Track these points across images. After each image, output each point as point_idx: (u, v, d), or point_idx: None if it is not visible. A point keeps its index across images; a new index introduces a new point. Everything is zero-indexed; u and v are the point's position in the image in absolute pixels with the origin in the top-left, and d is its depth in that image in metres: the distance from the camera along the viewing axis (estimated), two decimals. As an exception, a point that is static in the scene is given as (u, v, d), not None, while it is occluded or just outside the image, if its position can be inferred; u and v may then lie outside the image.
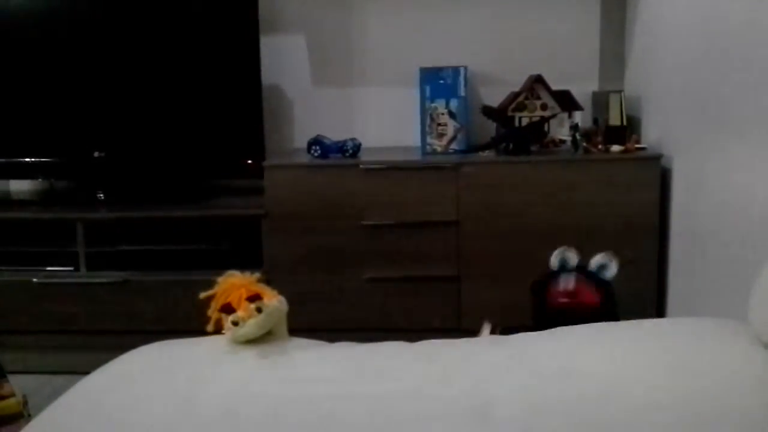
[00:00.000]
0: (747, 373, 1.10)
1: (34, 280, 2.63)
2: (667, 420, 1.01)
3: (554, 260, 2.07)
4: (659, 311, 2.51)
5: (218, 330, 1.38)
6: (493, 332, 1.96)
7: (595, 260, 2.04)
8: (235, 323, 1.33)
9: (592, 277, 2.02)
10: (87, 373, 1.33)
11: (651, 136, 2.60)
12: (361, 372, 1.22)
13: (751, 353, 1.15)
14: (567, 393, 1.09)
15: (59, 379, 2.51)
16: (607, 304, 1.99)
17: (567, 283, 2.03)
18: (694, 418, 1.01)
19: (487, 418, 1.05)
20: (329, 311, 2.57)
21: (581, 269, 2.04)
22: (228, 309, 1.35)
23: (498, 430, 1.02)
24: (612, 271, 2.02)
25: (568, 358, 1.21)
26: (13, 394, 1.88)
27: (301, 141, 2.91)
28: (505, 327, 1.96)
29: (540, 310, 2.07)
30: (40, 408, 1.24)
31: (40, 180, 2.98)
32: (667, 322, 1.34)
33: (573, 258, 2.06)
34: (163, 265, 2.64)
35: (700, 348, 1.19)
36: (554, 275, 2.06)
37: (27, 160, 2.81)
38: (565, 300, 2.01)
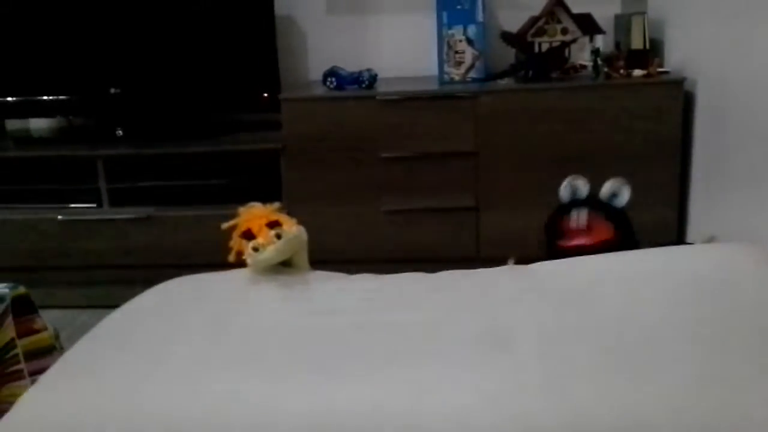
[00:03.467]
0: (766, 297, 1.10)
1: (59, 217, 2.67)
2: (686, 343, 1.01)
3: (563, 191, 1.96)
4: (680, 237, 2.50)
5: (239, 260, 1.41)
6: None
7: (606, 188, 1.91)
8: (256, 249, 1.37)
9: (605, 208, 1.91)
10: (114, 307, 1.36)
11: (674, 59, 2.54)
12: (379, 302, 1.24)
13: (771, 278, 1.15)
14: (585, 320, 1.10)
15: (87, 314, 2.58)
16: (622, 234, 1.92)
17: (579, 218, 1.92)
18: (713, 340, 1.01)
19: (505, 346, 1.06)
20: (348, 244, 2.59)
21: (592, 200, 1.93)
22: (249, 236, 1.40)
23: (517, 358, 1.03)
24: (624, 198, 1.90)
25: (586, 285, 1.22)
26: (45, 328, 1.92)
27: (316, 73, 2.88)
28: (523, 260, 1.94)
29: (553, 250, 1.99)
30: (71, 341, 1.28)
31: (58, 118, 3.00)
32: (687, 248, 1.34)
33: (583, 186, 1.94)
34: (184, 200, 2.67)
35: (720, 272, 1.19)
36: (565, 209, 1.95)
37: (45, 98, 2.81)
38: (579, 240, 1.92)
